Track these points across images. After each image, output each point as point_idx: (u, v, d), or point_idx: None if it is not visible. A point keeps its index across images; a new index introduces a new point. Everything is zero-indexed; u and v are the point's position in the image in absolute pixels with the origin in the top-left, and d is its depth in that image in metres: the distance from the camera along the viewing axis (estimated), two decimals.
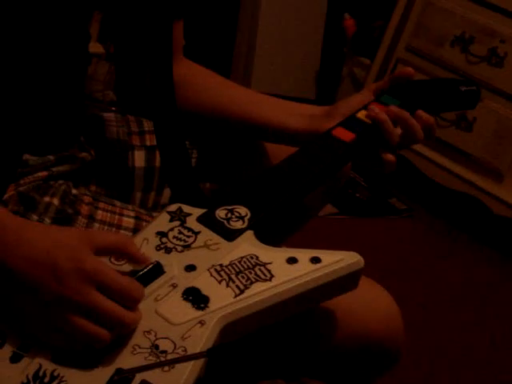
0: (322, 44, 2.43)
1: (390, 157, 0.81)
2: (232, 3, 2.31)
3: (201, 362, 0.60)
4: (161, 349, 0.60)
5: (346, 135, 0.80)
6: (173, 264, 0.66)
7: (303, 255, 0.67)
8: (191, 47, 1.00)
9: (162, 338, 0.61)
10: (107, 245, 0.63)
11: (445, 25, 1.87)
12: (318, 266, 0.66)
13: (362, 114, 0.83)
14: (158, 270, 0.65)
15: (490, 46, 1.80)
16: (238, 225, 0.70)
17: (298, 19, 2.36)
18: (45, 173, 0.77)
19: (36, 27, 0.72)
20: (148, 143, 0.87)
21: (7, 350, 0.61)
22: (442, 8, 1.88)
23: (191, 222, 0.70)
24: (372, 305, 0.80)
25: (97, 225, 0.77)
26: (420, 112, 0.82)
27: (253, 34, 2.31)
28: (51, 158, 0.78)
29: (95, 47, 0.81)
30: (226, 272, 0.66)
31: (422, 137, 0.81)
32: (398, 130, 0.81)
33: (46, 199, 0.76)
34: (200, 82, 0.92)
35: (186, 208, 0.72)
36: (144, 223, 0.79)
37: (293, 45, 2.39)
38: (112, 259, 0.66)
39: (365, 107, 0.84)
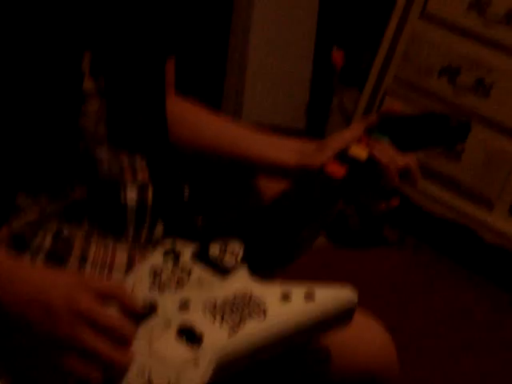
0: (312, 75, 2.46)
1: (383, 205, 0.83)
2: (222, 34, 2.33)
3: None
4: None
5: (338, 172, 0.81)
6: (166, 302, 0.66)
7: (297, 291, 0.67)
8: (182, 78, 1.01)
9: (156, 377, 0.61)
10: (100, 290, 0.63)
11: (432, 56, 1.90)
12: (312, 304, 0.66)
13: (353, 151, 0.84)
14: (151, 309, 0.65)
15: (476, 77, 1.82)
16: (232, 261, 0.70)
17: (287, 51, 2.38)
18: (37, 213, 0.77)
19: (28, 66, 0.72)
20: (140, 179, 0.87)
21: None
22: (429, 39, 1.91)
23: (185, 259, 0.71)
24: (365, 336, 0.80)
25: (89, 267, 0.77)
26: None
27: (243, 65, 2.34)
28: (44, 197, 0.78)
29: (86, 83, 0.81)
30: (219, 310, 0.65)
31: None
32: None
33: (38, 239, 0.76)
34: (192, 119, 0.93)
35: (180, 244, 0.72)
36: (137, 259, 0.79)
37: (282, 76, 2.41)
38: None
39: (356, 142, 0.85)
